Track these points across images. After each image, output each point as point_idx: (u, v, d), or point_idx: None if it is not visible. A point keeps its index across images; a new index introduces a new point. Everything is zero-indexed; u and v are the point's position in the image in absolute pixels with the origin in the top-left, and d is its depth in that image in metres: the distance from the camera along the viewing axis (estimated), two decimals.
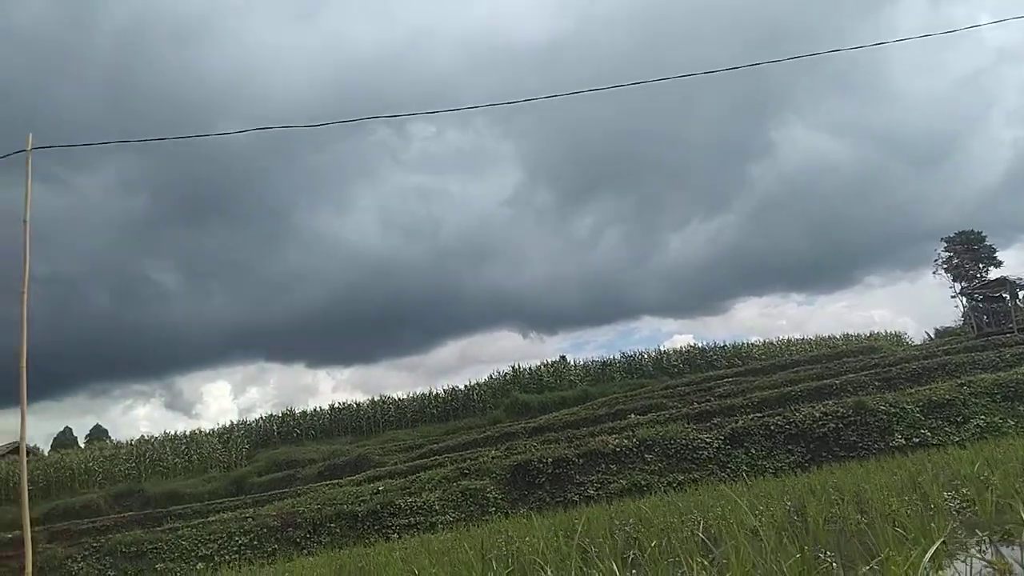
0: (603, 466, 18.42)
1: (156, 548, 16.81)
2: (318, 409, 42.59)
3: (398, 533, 17.02)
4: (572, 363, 43.10)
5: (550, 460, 18.47)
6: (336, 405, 42.58)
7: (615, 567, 4.33)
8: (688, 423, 20.19)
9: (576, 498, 17.55)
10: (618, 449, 18.60)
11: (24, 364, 10.99)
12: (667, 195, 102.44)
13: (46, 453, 45.45)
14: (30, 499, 34.85)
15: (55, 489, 36.26)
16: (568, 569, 4.34)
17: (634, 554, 5.01)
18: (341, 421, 41.46)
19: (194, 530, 17.47)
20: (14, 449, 43.90)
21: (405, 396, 42.60)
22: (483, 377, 42.97)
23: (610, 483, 17.91)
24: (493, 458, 19.92)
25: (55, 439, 53.57)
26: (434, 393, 42.27)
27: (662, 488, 16.84)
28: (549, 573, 4.16)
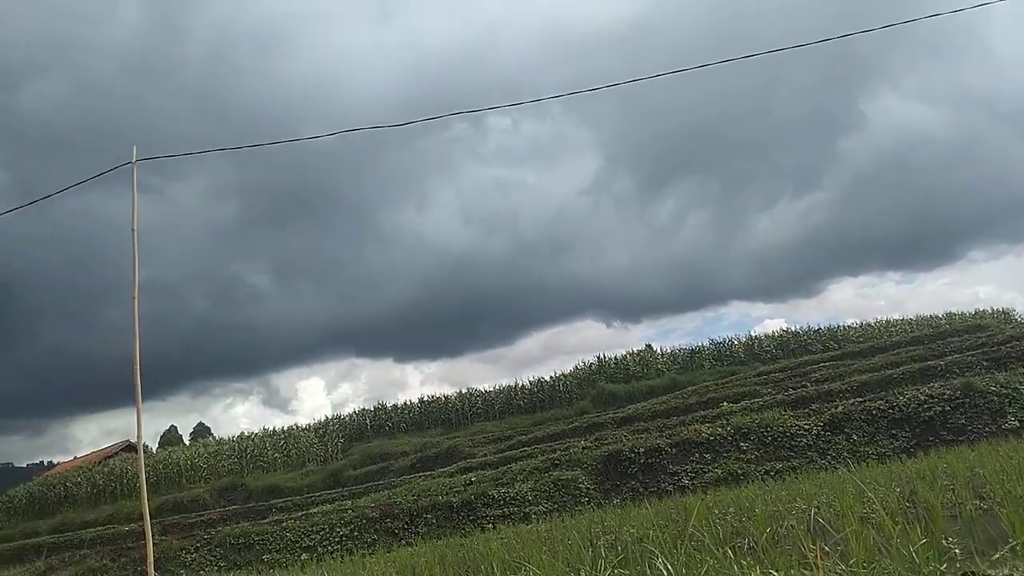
0: (697, 455, 18.13)
1: (263, 540, 17.50)
2: (408, 402, 43.37)
3: (492, 523, 17.17)
4: (659, 351, 42.55)
5: (642, 450, 18.30)
6: (425, 398, 43.28)
7: (730, 553, 4.24)
8: (784, 410, 19.64)
9: (670, 488, 17.35)
10: (712, 438, 18.27)
11: (137, 367, 11.58)
12: (753, 175, 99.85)
13: (154, 450, 47.96)
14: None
15: (164, 485, 38.11)
16: (679, 555, 4.28)
17: (748, 541, 4.90)
18: (430, 414, 42.11)
19: (297, 522, 18.10)
20: (127, 447, 46.52)
21: (491, 388, 42.88)
22: (568, 368, 42.88)
23: (704, 472, 17.62)
24: (583, 448, 19.87)
25: (162, 437, 56.47)
26: (520, 385, 42.43)
27: (759, 477, 16.47)
28: (661, 560, 4.11)
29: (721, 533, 6.94)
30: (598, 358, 41.91)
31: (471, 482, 19.65)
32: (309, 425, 42.68)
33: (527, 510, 17.54)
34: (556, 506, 17.43)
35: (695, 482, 17.26)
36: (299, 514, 20.15)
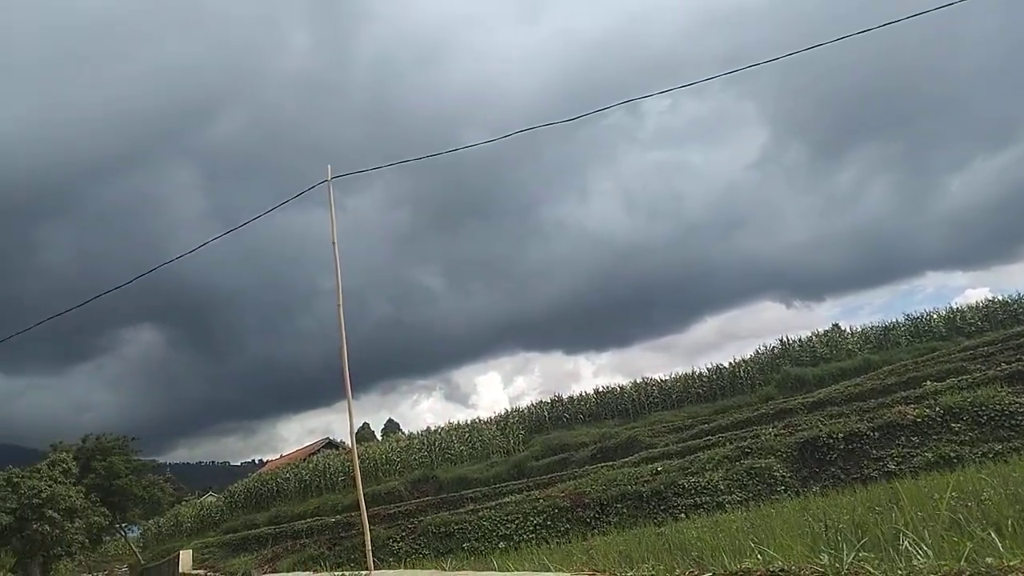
0: (903, 439, 16.98)
1: (461, 528, 18.32)
2: (584, 394, 43.65)
3: (685, 513, 16.99)
4: (848, 331, 40.12)
5: (841, 435, 17.39)
6: (600, 389, 43.39)
7: (992, 534, 3.97)
8: (1000, 386, 17.94)
9: (875, 474, 16.37)
10: (919, 420, 17.04)
11: (346, 368, 12.50)
12: (941, 133, 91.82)
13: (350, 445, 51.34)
14: (342, 488, 39.27)
15: (362, 478, 40.74)
16: (936, 536, 4.05)
17: (1011, 523, 4.56)
18: (607, 404, 42.15)
19: (492, 512, 18.79)
20: (327, 444, 50.25)
21: (667, 377, 42.25)
22: (748, 353, 41.45)
23: (913, 457, 16.47)
24: (776, 435, 19.17)
25: (356, 434, 60.46)
26: (697, 372, 41.52)
27: (975, 460, 15.15)
28: (910, 541, 3.92)
29: (946, 518, 6.48)
30: (780, 341, 40.22)
31: (658, 472, 19.52)
32: (490, 418, 44.02)
33: (720, 499, 17.20)
34: (750, 495, 16.95)
35: (902, 467, 16.17)
36: (492, 504, 20.90)
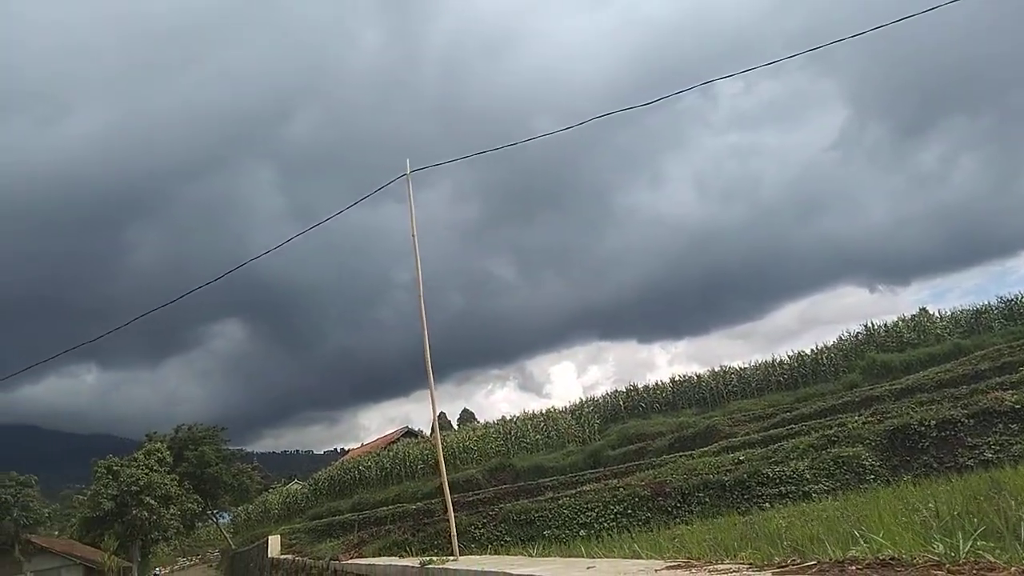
0: (1000, 426, 16.26)
1: (542, 516, 18.41)
2: (659, 383, 43.31)
3: (769, 502, 16.70)
4: (936, 315, 38.59)
5: (933, 422, 16.76)
6: (676, 378, 42.95)
7: None
8: None
9: (970, 463, 15.75)
10: (1017, 406, 16.27)
11: (428, 357, 12.72)
12: None
13: (427, 434, 52.27)
14: (422, 475, 39.90)
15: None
16: None
17: None
18: (683, 393, 41.69)
19: (572, 500, 18.81)
20: (406, 433, 51.24)
21: (746, 365, 41.57)
22: (830, 339, 40.37)
23: (1012, 445, 15.76)
24: (863, 423, 18.61)
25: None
26: (777, 360, 40.68)
27: None
28: None
29: None
30: (865, 327, 39.13)
31: (740, 461, 19.20)
32: (565, 408, 44.09)
33: (806, 488, 16.82)
34: (838, 484, 16.53)
35: (1000, 456, 15.50)
36: (570, 492, 20.92)
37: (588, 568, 4.37)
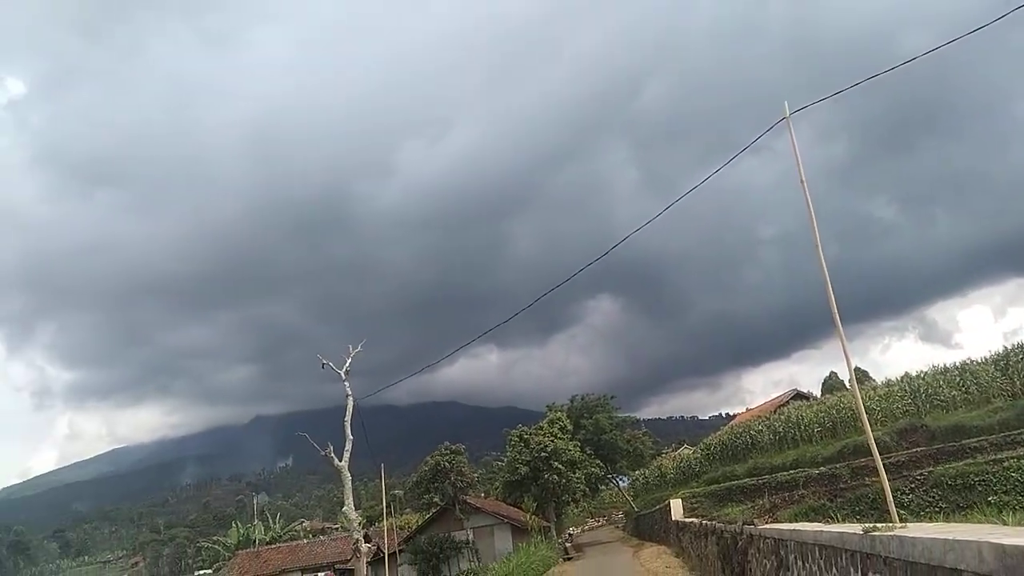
0: None
1: (983, 481, 16.17)
2: None
3: None
4: None
5: None
6: None
7: None
8: None
9: None
10: None
11: (834, 307, 11.80)
12: None
13: (819, 396, 49.30)
14: (819, 439, 37.45)
15: (840, 429, 38.68)
16: None
17: None
18: None
19: (1021, 462, 16.21)
20: (795, 395, 49.03)
21: None
22: None
23: None
24: None
25: (823, 383, 57.80)
26: None
27: None
28: None
29: None
30: None
31: None
32: (986, 358, 38.14)
33: None
34: None
35: None
36: (1011, 455, 18.03)
37: None
